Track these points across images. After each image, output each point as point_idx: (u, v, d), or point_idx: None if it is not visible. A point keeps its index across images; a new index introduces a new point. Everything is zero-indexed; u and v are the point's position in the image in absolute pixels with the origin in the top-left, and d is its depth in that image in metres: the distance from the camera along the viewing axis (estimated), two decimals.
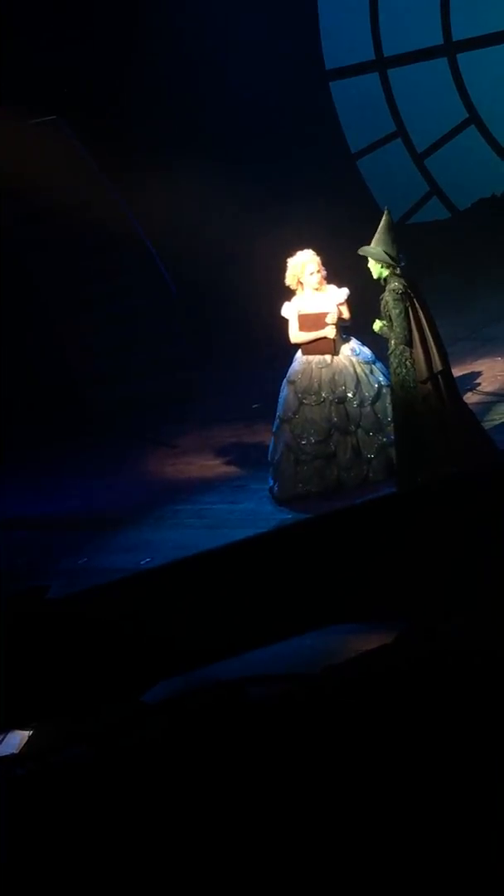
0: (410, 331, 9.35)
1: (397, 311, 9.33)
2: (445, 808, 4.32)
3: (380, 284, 9.48)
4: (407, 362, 9.40)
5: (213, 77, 14.68)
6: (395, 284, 9.33)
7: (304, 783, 4.48)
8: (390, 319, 9.38)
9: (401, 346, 9.37)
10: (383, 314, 9.44)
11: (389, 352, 9.54)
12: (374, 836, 4.33)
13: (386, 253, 9.33)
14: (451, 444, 9.44)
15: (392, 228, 9.44)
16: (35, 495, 11.54)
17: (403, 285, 9.35)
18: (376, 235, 9.42)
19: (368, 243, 9.42)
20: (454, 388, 9.65)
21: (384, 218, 9.47)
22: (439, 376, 9.43)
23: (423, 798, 4.36)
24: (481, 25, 15.12)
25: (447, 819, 4.32)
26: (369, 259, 9.43)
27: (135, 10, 14.47)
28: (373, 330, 9.57)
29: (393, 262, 9.33)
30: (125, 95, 14.40)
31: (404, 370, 9.41)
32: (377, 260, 9.38)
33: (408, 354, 9.39)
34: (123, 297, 13.53)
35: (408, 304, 9.35)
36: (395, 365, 9.47)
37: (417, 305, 9.39)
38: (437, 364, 9.40)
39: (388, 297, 9.36)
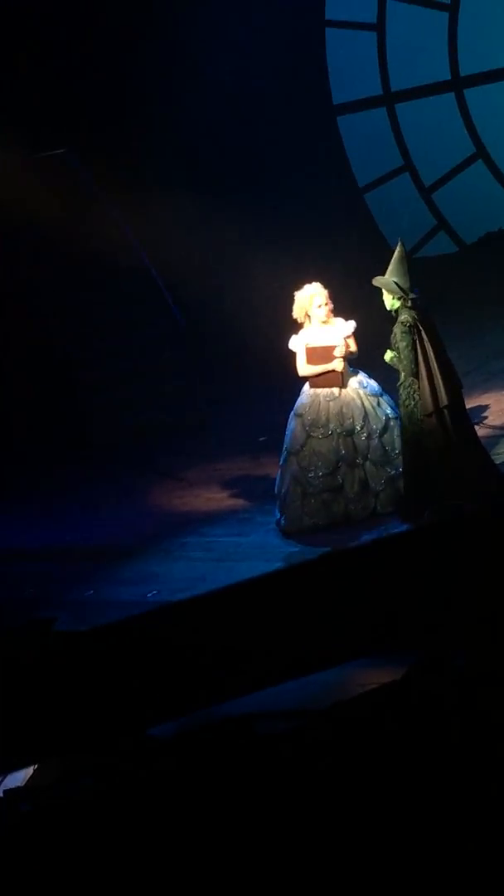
0: (417, 364, 9.38)
1: (404, 343, 9.37)
2: (455, 843, 4.30)
3: (391, 316, 9.51)
4: (415, 395, 9.43)
5: (222, 110, 14.74)
6: (404, 317, 9.38)
7: (313, 819, 4.46)
8: (399, 352, 9.42)
9: (409, 378, 9.41)
10: (393, 345, 9.49)
11: (399, 383, 9.58)
12: (382, 872, 4.31)
13: (397, 285, 9.37)
14: (458, 477, 9.44)
15: (405, 260, 9.48)
16: (42, 526, 11.53)
17: (413, 318, 9.38)
18: (390, 266, 9.47)
19: (382, 275, 9.47)
20: (464, 423, 9.65)
21: (398, 249, 9.52)
22: (446, 410, 9.44)
23: (432, 833, 4.34)
24: (488, 61, 15.20)
25: (456, 854, 4.30)
26: (383, 291, 9.47)
27: (141, 42, 14.54)
28: (384, 360, 9.61)
29: (404, 293, 9.36)
30: (133, 128, 14.46)
31: (412, 402, 9.45)
32: (389, 291, 9.42)
33: (416, 387, 9.42)
34: (131, 328, 13.56)
35: (415, 337, 9.38)
36: (403, 397, 9.52)
37: (426, 338, 9.41)
38: (444, 399, 9.41)
39: (396, 329, 9.41)
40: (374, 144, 15.64)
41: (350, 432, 10.01)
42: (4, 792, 5.48)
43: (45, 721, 5.10)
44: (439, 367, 9.41)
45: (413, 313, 9.40)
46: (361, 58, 15.65)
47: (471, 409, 11.45)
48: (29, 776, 5.79)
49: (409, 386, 9.45)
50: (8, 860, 4.67)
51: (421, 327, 9.42)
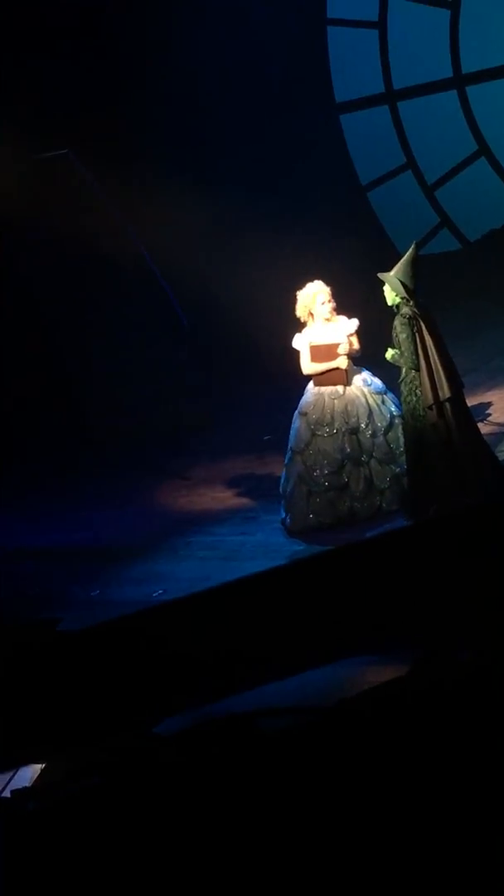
0: (417, 355, 9.41)
1: (404, 335, 9.41)
2: (459, 841, 4.30)
3: (392, 313, 9.54)
4: (416, 390, 9.46)
5: (224, 110, 14.74)
6: (405, 310, 9.43)
7: (316, 816, 4.46)
8: (399, 345, 9.45)
9: (411, 374, 9.44)
10: (394, 341, 9.52)
11: (400, 380, 9.60)
12: (385, 869, 4.31)
13: (402, 284, 9.40)
14: (460, 472, 9.45)
15: (415, 263, 9.51)
16: (47, 526, 11.54)
17: (414, 312, 9.42)
18: (398, 265, 9.51)
19: (389, 271, 9.50)
20: (465, 417, 9.67)
21: (410, 251, 9.56)
22: (447, 404, 9.46)
23: (436, 831, 4.34)
24: (490, 58, 15.18)
25: (460, 852, 4.30)
26: (385, 285, 9.49)
27: (142, 41, 14.55)
28: (385, 358, 9.63)
29: (408, 294, 9.39)
30: (134, 129, 14.46)
31: (414, 398, 9.48)
32: (393, 288, 9.45)
33: (417, 382, 9.44)
34: (134, 327, 13.57)
35: (416, 329, 9.42)
36: (405, 393, 9.55)
37: (426, 332, 9.44)
38: (446, 391, 9.43)
39: (396, 322, 9.45)
40: (376, 142, 15.63)
41: (355, 430, 10.02)
42: (12, 792, 5.49)
43: (50, 719, 5.11)
44: (440, 360, 9.44)
45: (414, 308, 9.43)
46: (363, 56, 15.63)
47: (474, 406, 11.46)
48: (36, 776, 5.81)
49: (411, 382, 9.48)
50: (16, 859, 4.68)
51: (421, 321, 9.45)
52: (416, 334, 9.43)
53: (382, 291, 9.58)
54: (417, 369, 9.43)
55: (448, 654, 5.03)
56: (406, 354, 9.42)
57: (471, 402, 10.81)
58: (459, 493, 9.27)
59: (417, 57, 15.47)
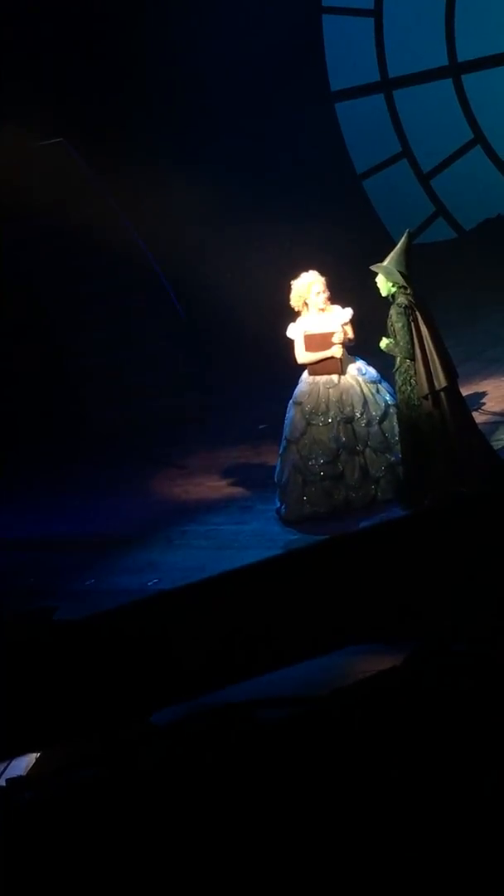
0: (413, 344, 9.42)
1: (400, 324, 9.41)
2: (456, 831, 4.31)
3: (386, 303, 9.53)
4: (411, 380, 9.46)
5: (219, 100, 14.72)
6: (400, 299, 9.42)
7: (313, 806, 4.47)
8: (395, 334, 9.44)
9: (406, 363, 9.44)
10: (389, 331, 9.51)
11: (395, 369, 9.61)
12: (382, 860, 4.31)
13: (399, 272, 9.40)
14: (456, 462, 9.46)
15: (409, 251, 9.50)
16: (42, 516, 11.55)
17: (409, 301, 9.42)
18: (392, 255, 9.50)
19: (381, 262, 9.49)
20: (460, 406, 9.67)
21: (403, 239, 9.55)
22: (442, 393, 9.46)
23: (433, 821, 4.35)
24: (486, 46, 15.16)
25: (458, 843, 4.31)
26: (379, 276, 9.48)
27: (138, 31, 14.52)
28: (379, 348, 9.63)
29: (405, 282, 9.39)
30: (130, 117, 14.44)
31: (409, 388, 9.48)
32: (388, 277, 9.44)
33: (413, 372, 9.45)
34: (130, 317, 13.57)
35: (411, 318, 9.42)
36: (400, 383, 9.56)
37: (422, 321, 9.44)
38: (442, 381, 9.44)
39: (392, 311, 9.45)
40: (372, 131, 15.61)
41: (350, 419, 10.02)
42: (7, 781, 5.49)
43: (46, 709, 5.11)
44: (435, 349, 9.44)
45: (409, 297, 9.43)
46: (359, 44, 15.61)
47: (470, 395, 11.46)
48: (31, 765, 5.80)
49: (406, 371, 9.48)
50: (10, 849, 4.68)
51: (417, 310, 9.44)
52: (412, 323, 9.43)
53: (375, 282, 9.57)
54: (413, 359, 9.44)
55: (444, 644, 5.03)
56: (402, 344, 9.42)
57: (466, 391, 10.82)
58: (455, 482, 9.28)
59: (413, 45, 15.45)
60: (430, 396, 9.42)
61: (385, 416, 10.03)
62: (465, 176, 15.29)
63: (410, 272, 9.46)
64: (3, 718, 5.11)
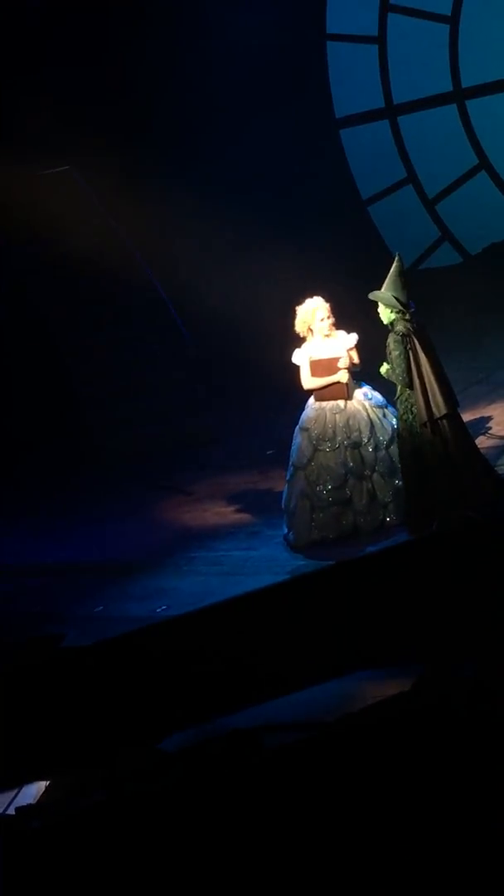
0: (410, 373, 9.44)
1: (397, 352, 9.45)
2: (461, 856, 4.31)
3: (389, 330, 9.57)
4: (412, 408, 9.49)
5: (225, 125, 14.79)
6: (399, 327, 9.46)
7: (320, 831, 4.46)
8: (392, 362, 9.49)
9: (406, 392, 9.49)
10: (387, 358, 9.56)
11: (396, 397, 9.64)
12: (390, 885, 4.31)
13: (395, 298, 9.43)
14: (460, 487, 9.46)
15: (402, 274, 9.53)
16: (50, 542, 11.56)
17: (407, 329, 9.46)
18: (387, 281, 9.53)
19: (379, 288, 9.52)
20: (462, 433, 9.68)
21: (395, 263, 9.58)
22: (442, 420, 9.48)
23: (439, 846, 4.34)
24: (490, 72, 15.22)
25: (462, 868, 4.30)
26: (379, 305, 9.52)
27: (143, 57, 14.59)
28: (380, 373, 9.67)
29: (402, 307, 9.42)
30: (136, 145, 14.51)
31: (410, 416, 9.52)
32: (386, 304, 9.48)
33: (413, 400, 9.48)
34: (137, 342, 13.60)
35: (409, 346, 9.46)
36: (401, 410, 9.59)
37: (420, 349, 9.46)
38: (441, 408, 9.46)
39: (389, 339, 9.49)
40: (376, 157, 15.66)
41: (357, 444, 10.02)
42: (16, 809, 5.49)
43: (54, 736, 5.12)
44: (434, 377, 9.46)
45: (409, 325, 9.46)
46: (363, 71, 15.68)
47: (477, 419, 11.48)
48: (41, 793, 5.80)
49: (407, 400, 9.53)
50: (18, 877, 4.68)
51: (415, 338, 9.48)
52: (409, 352, 9.46)
53: (377, 312, 9.61)
54: (411, 387, 9.47)
55: (451, 670, 5.03)
56: (398, 371, 9.45)
57: (472, 415, 10.85)
58: (460, 507, 9.28)
59: (417, 71, 15.51)
60: (429, 424, 9.45)
61: (392, 440, 10.04)
62: (470, 201, 15.34)
63: (408, 296, 9.49)
64: (12, 746, 5.12)
